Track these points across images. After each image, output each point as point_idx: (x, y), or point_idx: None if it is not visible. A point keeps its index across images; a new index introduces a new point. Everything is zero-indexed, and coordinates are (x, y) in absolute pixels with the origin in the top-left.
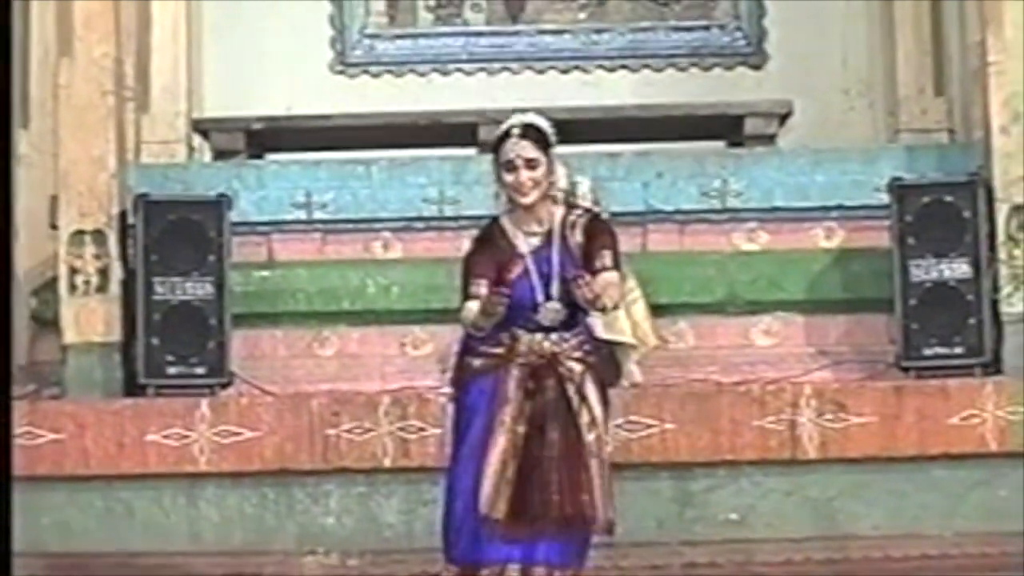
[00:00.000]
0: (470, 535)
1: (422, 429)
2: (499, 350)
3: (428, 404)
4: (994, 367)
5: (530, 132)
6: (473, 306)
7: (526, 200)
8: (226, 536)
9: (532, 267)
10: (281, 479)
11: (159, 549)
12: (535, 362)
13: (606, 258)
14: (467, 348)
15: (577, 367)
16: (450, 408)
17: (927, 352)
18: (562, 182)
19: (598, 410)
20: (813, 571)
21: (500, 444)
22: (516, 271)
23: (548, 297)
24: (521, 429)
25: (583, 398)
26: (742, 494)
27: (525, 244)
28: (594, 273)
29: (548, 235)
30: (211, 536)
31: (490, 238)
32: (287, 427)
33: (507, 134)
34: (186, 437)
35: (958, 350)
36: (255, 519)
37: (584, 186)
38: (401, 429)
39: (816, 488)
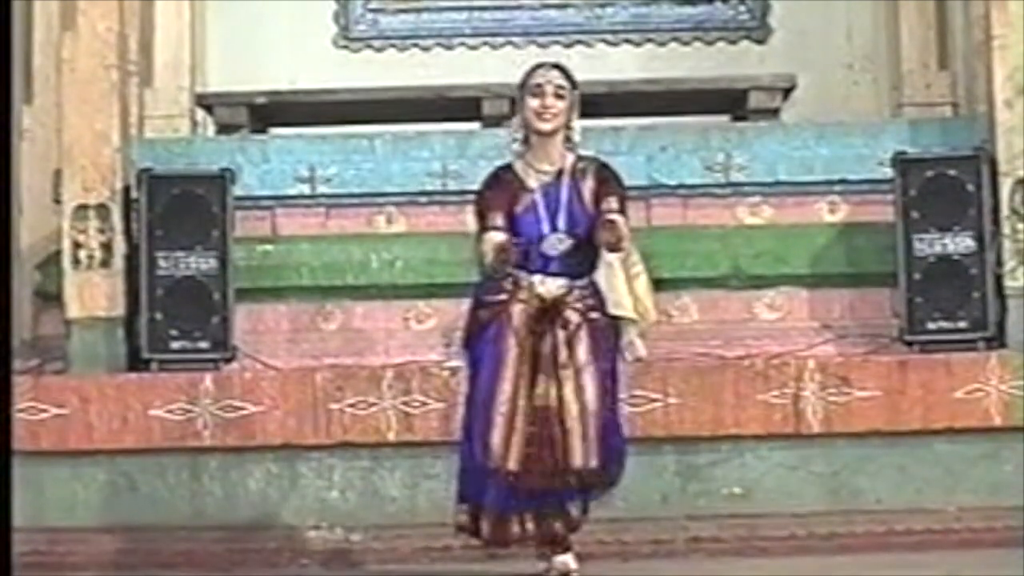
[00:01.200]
0: (479, 479)
1: (425, 403)
2: (502, 296)
3: (431, 378)
4: (998, 341)
5: (562, 67)
6: (492, 237)
7: (546, 126)
8: (229, 511)
9: (540, 200)
10: (284, 454)
11: (162, 524)
12: (537, 305)
13: (613, 202)
14: (476, 303)
15: (575, 318)
16: (464, 370)
17: (931, 326)
18: (577, 136)
19: (583, 360)
20: (817, 545)
21: (506, 389)
22: (524, 204)
23: (554, 230)
24: (527, 373)
25: (571, 351)
26: (746, 468)
27: (535, 180)
28: (600, 214)
29: (559, 174)
30: (214, 511)
31: (500, 176)
32: (291, 402)
33: (539, 65)
34: (190, 412)
35: (962, 324)
36: (258, 494)
37: None
38: (404, 403)
39: (820, 462)
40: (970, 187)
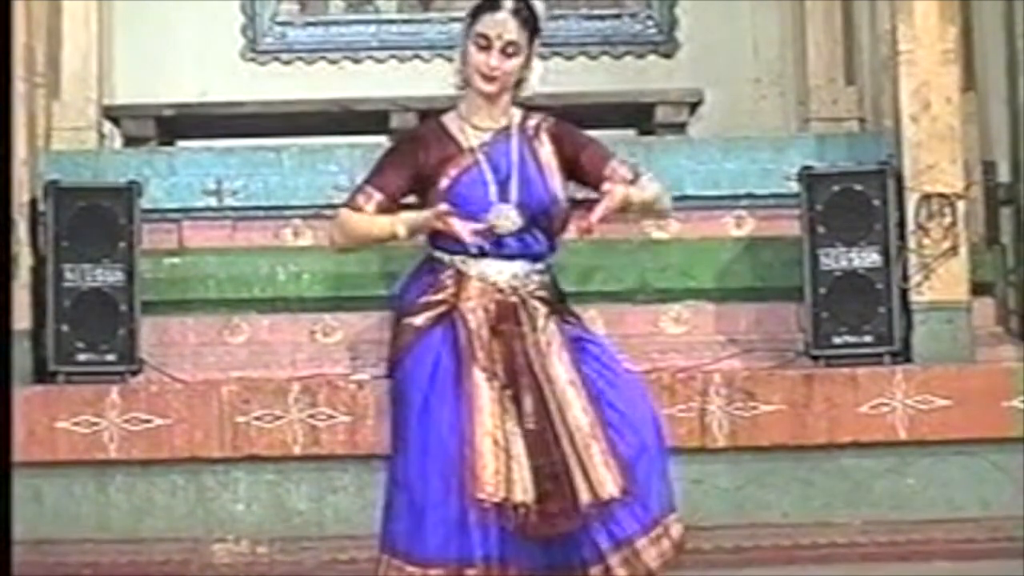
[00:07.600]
0: (444, 526)
1: (332, 416)
2: (443, 295)
3: (338, 391)
4: (903, 356)
5: (523, 12)
6: (358, 219)
7: (487, 88)
8: (136, 524)
9: (483, 161)
10: (191, 467)
11: (68, 537)
12: (495, 300)
13: (617, 166)
14: (403, 309)
15: (541, 308)
16: (389, 391)
17: (837, 341)
18: (534, 85)
19: (561, 368)
20: (723, 559)
21: (487, 407)
22: (462, 166)
23: (505, 200)
24: (507, 387)
25: (545, 356)
26: None
27: (474, 138)
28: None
29: (505, 130)
30: (121, 524)
31: (422, 137)
32: (197, 414)
33: (496, 6)
34: (96, 424)
35: (867, 339)
36: (164, 507)
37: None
38: (311, 416)
39: (725, 476)
40: (876, 202)
